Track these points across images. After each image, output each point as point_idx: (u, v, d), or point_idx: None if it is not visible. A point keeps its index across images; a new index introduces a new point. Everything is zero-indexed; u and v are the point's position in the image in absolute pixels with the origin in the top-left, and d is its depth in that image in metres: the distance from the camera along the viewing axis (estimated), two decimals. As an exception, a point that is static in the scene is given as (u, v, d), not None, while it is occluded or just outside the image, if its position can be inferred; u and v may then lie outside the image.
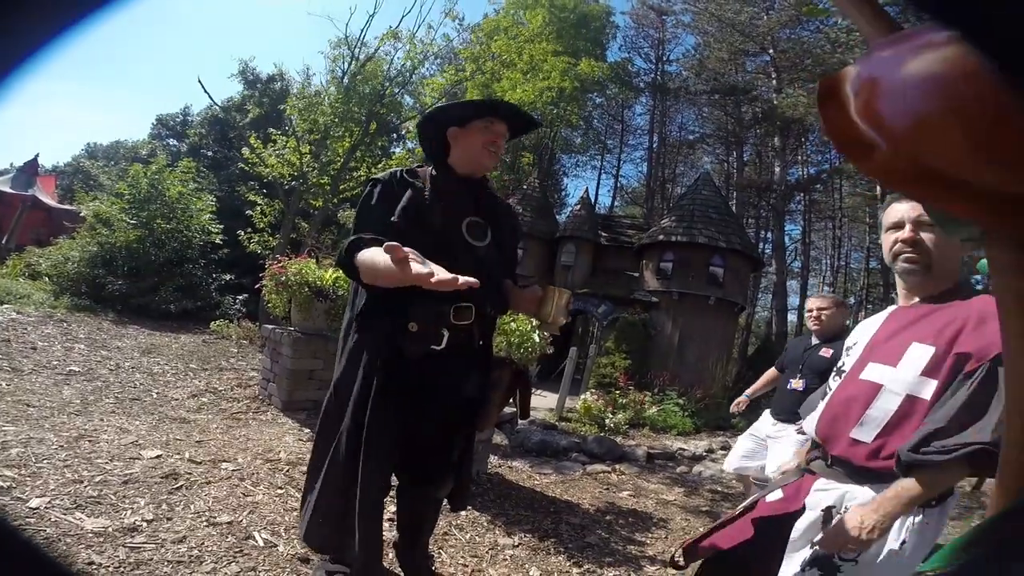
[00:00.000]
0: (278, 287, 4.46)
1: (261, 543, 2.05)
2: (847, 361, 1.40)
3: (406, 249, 1.05)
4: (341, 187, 9.97)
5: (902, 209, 1.28)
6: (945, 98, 0.33)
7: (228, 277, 9.88)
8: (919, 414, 1.16)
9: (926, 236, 1.24)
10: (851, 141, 0.38)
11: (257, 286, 4.95)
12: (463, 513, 2.67)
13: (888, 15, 0.44)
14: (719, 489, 4.99)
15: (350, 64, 9.71)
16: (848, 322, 3.89)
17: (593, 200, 17.59)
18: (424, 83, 13.24)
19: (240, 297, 9.66)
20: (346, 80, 9.62)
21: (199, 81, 10.04)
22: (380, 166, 10.06)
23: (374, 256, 1.26)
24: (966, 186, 0.33)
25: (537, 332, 3.96)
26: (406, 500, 1.78)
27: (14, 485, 2.07)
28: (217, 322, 7.95)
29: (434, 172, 1.58)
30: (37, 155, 13.34)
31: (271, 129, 10.25)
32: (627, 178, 24.66)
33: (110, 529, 1.87)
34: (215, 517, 2.19)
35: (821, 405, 1.41)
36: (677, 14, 20.49)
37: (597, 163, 23.66)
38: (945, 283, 1.27)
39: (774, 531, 1.32)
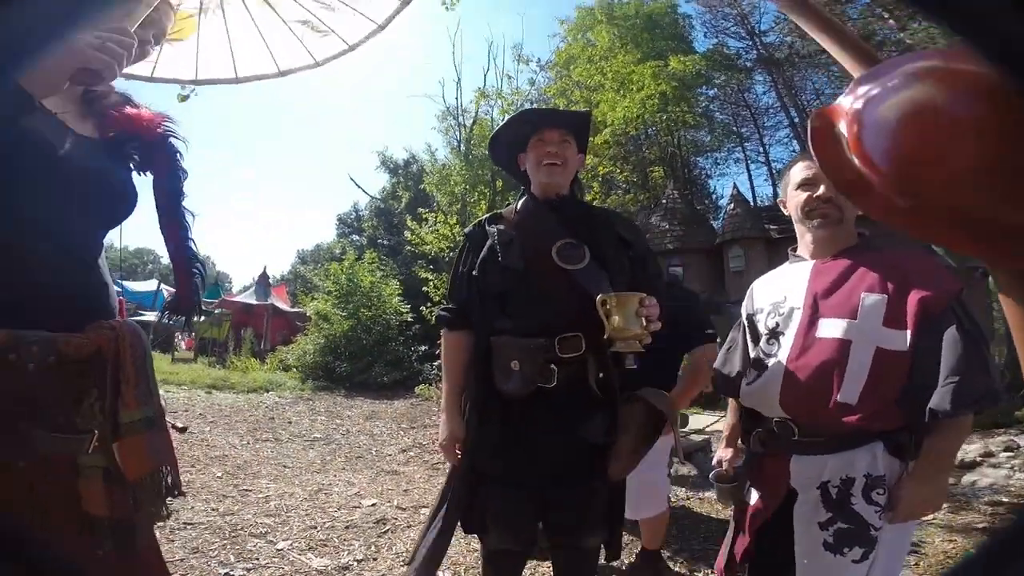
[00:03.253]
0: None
1: (446, 581, 2.27)
2: (779, 322, 1.34)
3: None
4: (490, 249, 10.70)
5: (812, 168, 1.33)
6: (923, 133, 0.34)
7: (423, 348, 11.23)
8: (897, 366, 1.17)
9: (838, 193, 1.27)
10: (848, 180, 0.38)
11: (437, 352, 5.59)
12: (635, 550, 2.55)
13: (866, 47, 0.45)
14: (1003, 500, 3.85)
15: (460, 132, 10.57)
16: None
17: (750, 193, 15.91)
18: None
19: (435, 363, 10.88)
20: (462, 147, 10.48)
21: (351, 179, 11.97)
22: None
23: (444, 376, 1.50)
24: (964, 220, 0.33)
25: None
26: (553, 552, 1.63)
27: (269, 531, 2.67)
28: (420, 387, 9.14)
29: (518, 206, 1.55)
30: (265, 268, 15.72)
31: (420, 209, 11.59)
32: (781, 160, 21.59)
33: (330, 567, 2.29)
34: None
35: (767, 379, 1.32)
36: None
37: (739, 156, 21.45)
38: (852, 237, 1.35)
39: (775, 522, 1.32)
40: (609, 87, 12.47)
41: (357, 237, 21.82)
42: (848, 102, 0.39)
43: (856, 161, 0.36)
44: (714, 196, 21.28)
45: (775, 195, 20.44)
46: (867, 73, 0.39)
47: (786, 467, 1.29)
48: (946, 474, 1.22)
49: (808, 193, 1.34)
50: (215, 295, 13.22)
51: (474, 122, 10.79)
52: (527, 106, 12.57)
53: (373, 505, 3.36)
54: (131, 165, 1.05)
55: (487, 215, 1.61)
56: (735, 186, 12.69)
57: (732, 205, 11.98)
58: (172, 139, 1.08)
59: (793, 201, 1.40)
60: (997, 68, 0.28)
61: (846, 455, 1.21)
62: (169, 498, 0.96)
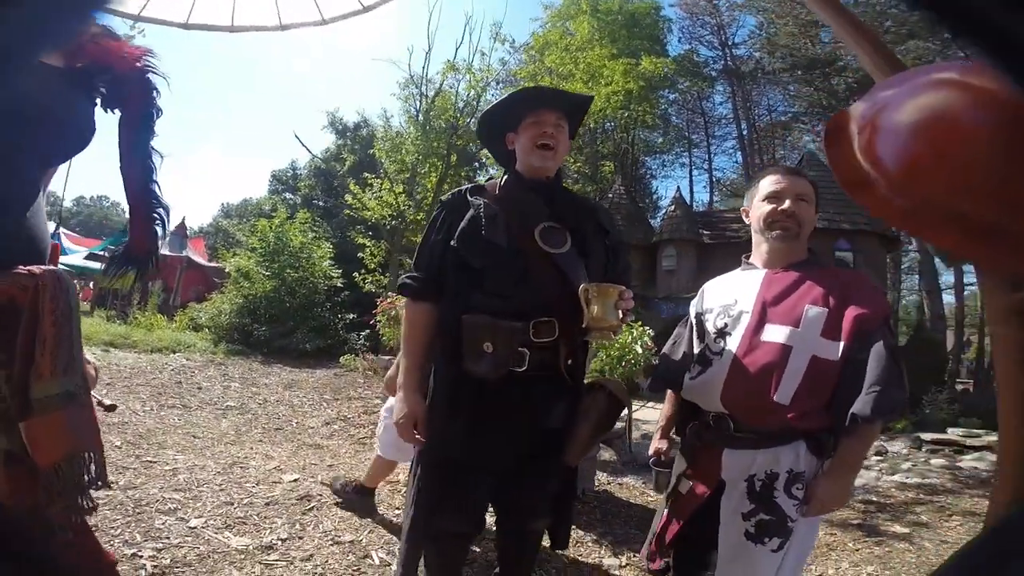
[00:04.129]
0: (390, 321, 4.85)
1: (377, 562, 2.19)
2: (728, 323, 1.43)
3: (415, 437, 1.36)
4: (436, 221, 10.55)
5: (781, 183, 1.43)
6: (933, 140, 0.34)
7: (351, 316, 10.86)
8: (827, 373, 1.28)
9: (800, 209, 1.40)
10: (851, 178, 0.40)
11: (371, 322, 5.41)
12: (580, 542, 2.62)
13: (891, 53, 0.46)
14: (873, 499, 4.37)
15: (421, 102, 10.30)
16: None
17: (688, 198, 16.75)
18: (491, 109, 13.65)
19: (363, 333, 10.57)
20: (420, 117, 10.21)
21: (296, 136, 11.38)
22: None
23: (403, 349, 1.45)
24: (960, 224, 0.34)
25: (638, 342, 3.78)
26: (501, 534, 1.68)
27: (179, 507, 2.45)
28: (345, 356, 8.79)
29: (502, 183, 1.51)
30: (184, 219, 14.75)
31: (366, 174, 11.17)
32: (722, 170, 23.11)
33: (251, 547, 2.13)
34: (339, 536, 2.39)
35: (711, 375, 1.40)
36: None
37: (685, 160, 22.53)
38: (803, 252, 1.45)
39: (706, 510, 1.42)
40: (580, 78, 12.59)
41: (291, 196, 20.92)
42: (864, 106, 0.40)
43: (863, 161, 0.38)
44: (655, 196, 22.20)
45: (711, 203, 21.67)
46: (887, 80, 0.41)
47: (719, 459, 1.38)
48: (855, 474, 1.35)
49: (773, 206, 1.42)
50: (120, 242, 11.90)
51: (437, 93, 10.47)
52: (494, 85, 12.53)
53: (295, 480, 3.19)
54: (96, 99, 0.88)
55: (468, 186, 1.54)
56: (679, 189, 13.29)
57: (673, 207, 12.54)
58: (150, 74, 0.91)
59: (757, 212, 1.47)
60: (1003, 73, 0.29)
61: (773, 451, 1.31)
62: (92, 489, 0.81)
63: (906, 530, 3.33)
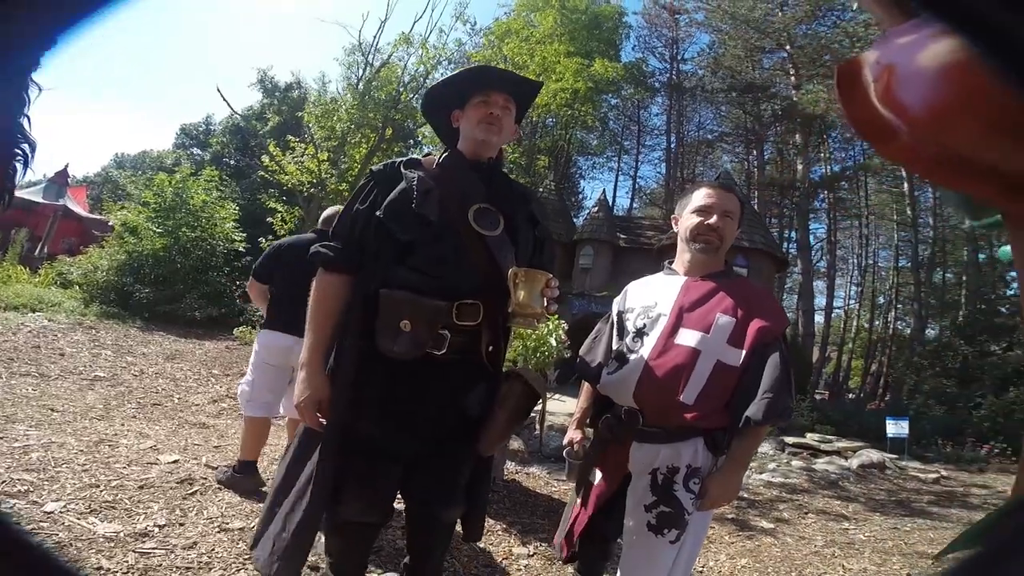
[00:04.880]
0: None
1: (271, 550, 2.02)
2: (647, 324, 1.50)
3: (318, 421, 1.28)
4: (359, 193, 10.08)
5: (712, 198, 1.50)
6: (962, 84, 0.32)
7: (251, 283, 10.05)
8: (728, 378, 1.37)
9: (725, 224, 1.49)
10: (872, 127, 0.38)
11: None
12: (493, 533, 2.61)
13: (904, 1, 0.43)
14: (744, 496, 4.84)
15: (365, 70, 9.82)
16: None
17: (611, 202, 17.44)
18: (438, 88, 13.37)
19: (262, 304, 9.82)
20: (361, 86, 9.76)
21: (218, 90, 10.40)
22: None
23: (309, 324, 1.34)
24: (988, 170, 0.33)
25: (552, 335, 3.83)
26: (412, 523, 1.58)
27: (31, 489, 2.10)
28: (240, 328, 8.10)
29: (440, 159, 1.46)
30: (67, 165, 13.33)
31: (290, 137, 10.43)
32: (645, 179, 24.40)
33: (122, 534, 1.87)
34: (227, 523, 2.18)
35: (627, 372, 1.46)
36: (690, 12, 20.20)
37: (614, 165, 23.46)
38: (722, 263, 1.55)
39: (613, 501, 1.51)
40: (533, 70, 12.54)
41: (200, 152, 19.57)
42: (879, 52, 0.38)
43: (882, 108, 0.36)
44: (581, 196, 22.86)
45: (631, 208, 22.66)
46: (902, 27, 0.39)
47: (627, 452, 1.45)
48: (744, 471, 1.47)
49: (701, 219, 1.49)
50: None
51: (384, 64, 9.93)
52: (444, 63, 12.19)
53: (175, 462, 2.87)
54: None
55: (402, 159, 1.46)
56: (604, 192, 13.76)
57: (596, 208, 12.98)
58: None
59: (686, 222, 1.53)
60: (989, 61, 0.29)
61: (675, 446, 1.39)
62: None
63: (771, 525, 3.69)
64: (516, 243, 1.42)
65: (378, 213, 1.31)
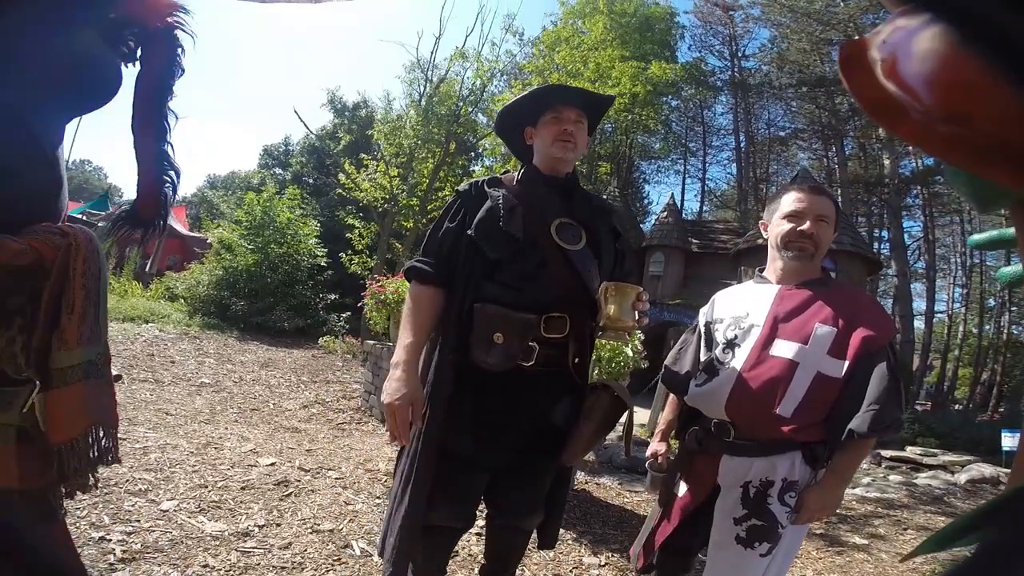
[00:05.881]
0: (378, 305, 4.77)
1: (358, 552, 2.16)
2: (738, 335, 1.45)
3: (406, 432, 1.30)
4: (428, 207, 10.47)
5: (803, 202, 1.43)
6: (972, 59, 0.30)
7: (333, 297, 10.70)
8: (829, 390, 1.31)
9: (820, 229, 1.42)
10: (881, 105, 0.36)
11: (359, 304, 5.31)
12: (568, 540, 2.62)
13: None
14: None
15: (425, 87, 10.19)
16: None
17: (680, 206, 16.91)
18: (495, 100, 13.58)
19: (344, 315, 10.43)
20: (423, 103, 10.11)
21: (295, 112, 11.13)
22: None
23: (405, 328, 1.38)
24: (1004, 149, 0.31)
25: (630, 347, 3.76)
26: (491, 530, 1.63)
27: (150, 488, 2.37)
28: (324, 338, 8.66)
29: (519, 176, 1.51)
30: None
31: (362, 155, 11.02)
32: (715, 181, 23.37)
33: (226, 533, 2.07)
34: (318, 524, 2.35)
35: (717, 384, 1.42)
36: (745, 8, 19.04)
37: (680, 168, 22.68)
38: (818, 270, 1.48)
39: (697, 514, 1.47)
40: (588, 77, 12.48)
41: (281, 171, 20.71)
42: (887, 29, 0.36)
43: (891, 85, 0.34)
44: (647, 201, 22.32)
45: (701, 212, 21.82)
46: (910, 6, 0.37)
47: (715, 465, 1.41)
48: (846, 485, 1.40)
49: (793, 225, 1.43)
50: (102, 207, 11.50)
51: (442, 80, 10.33)
52: (498, 75, 12.44)
53: (272, 464, 3.12)
54: (124, 51, 0.82)
55: (485, 177, 1.52)
56: (672, 196, 13.34)
57: (665, 213, 12.58)
58: (178, 31, 0.85)
59: (776, 229, 1.47)
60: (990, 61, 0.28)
61: (770, 459, 1.34)
62: (100, 465, 0.75)
63: (865, 541, 3.44)
64: (599, 256, 1.44)
65: (469, 232, 1.37)
